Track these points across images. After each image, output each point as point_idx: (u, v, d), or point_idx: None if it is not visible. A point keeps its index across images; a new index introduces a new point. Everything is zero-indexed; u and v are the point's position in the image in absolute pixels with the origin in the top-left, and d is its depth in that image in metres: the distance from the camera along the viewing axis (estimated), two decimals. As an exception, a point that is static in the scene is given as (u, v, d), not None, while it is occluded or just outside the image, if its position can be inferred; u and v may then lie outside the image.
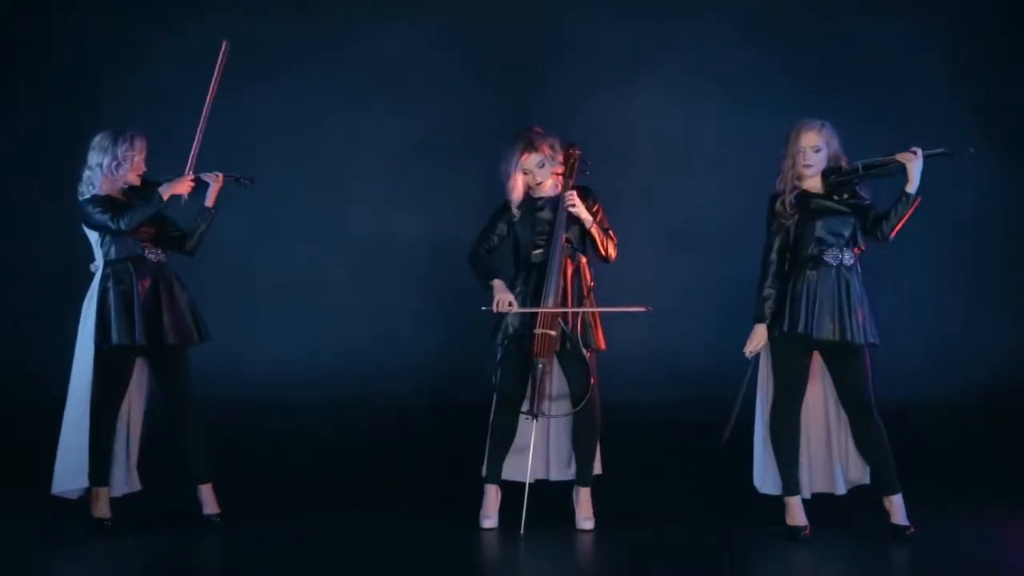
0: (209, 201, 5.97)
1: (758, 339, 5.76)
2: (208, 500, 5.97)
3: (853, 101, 7.36)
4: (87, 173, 5.88)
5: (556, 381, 6.01)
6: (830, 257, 5.70)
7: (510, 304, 5.82)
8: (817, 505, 5.78)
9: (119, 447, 5.95)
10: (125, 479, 6.00)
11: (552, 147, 5.97)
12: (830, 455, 5.88)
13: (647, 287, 7.52)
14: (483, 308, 5.88)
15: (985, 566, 5.44)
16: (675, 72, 7.86)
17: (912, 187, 5.63)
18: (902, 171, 5.65)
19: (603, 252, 5.99)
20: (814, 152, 5.74)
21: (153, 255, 5.91)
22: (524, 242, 5.99)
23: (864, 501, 5.88)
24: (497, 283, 5.89)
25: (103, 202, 5.85)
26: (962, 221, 7.70)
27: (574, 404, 5.91)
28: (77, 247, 7.78)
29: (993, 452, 7.22)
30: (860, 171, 5.68)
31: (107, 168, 5.85)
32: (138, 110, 7.69)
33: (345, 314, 7.83)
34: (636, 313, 5.90)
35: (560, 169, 5.94)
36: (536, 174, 5.95)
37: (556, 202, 5.96)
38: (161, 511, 6.08)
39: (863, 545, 5.66)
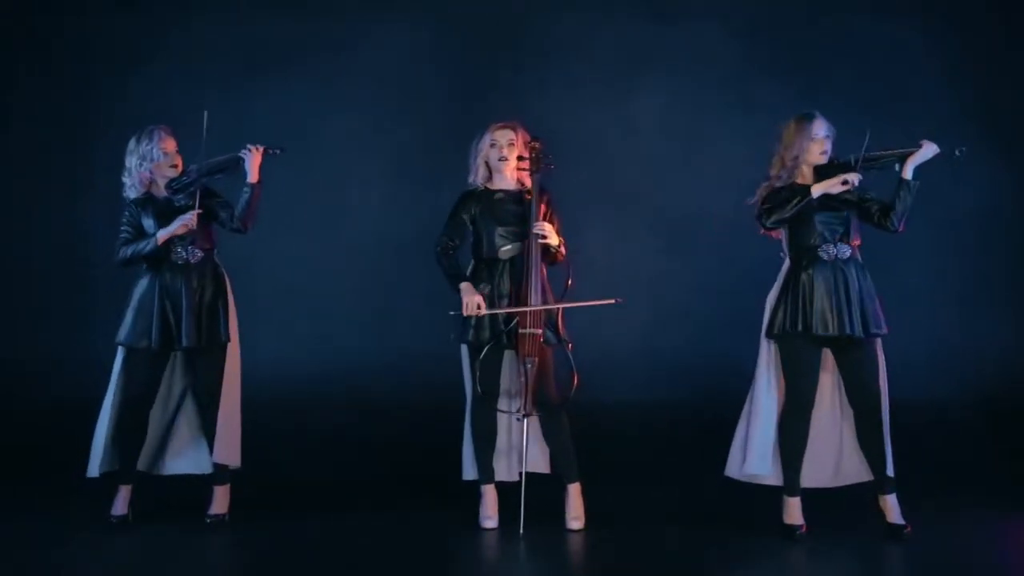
0: (251, 177, 5.83)
1: None
2: (216, 501, 5.98)
3: (853, 101, 7.36)
4: (124, 178, 5.89)
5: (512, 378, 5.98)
6: (824, 252, 5.70)
7: (479, 307, 5.77)
8: (813, 504, 5.78)
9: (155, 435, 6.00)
10: (156, 463, 6.04)
11: (525, 141, 5.89)
12: (830, 448, 5.86)
13: (646, 287, 7.53)
14: (451, 312, 5.83)
15: (985, 566, 5.44)
16: (675, 72, 7.86)
17: (906, 174, 5.62)
18: (897, 164, 5.65)
19: (557, 260, 5.92)
20: (828, 140, 5.75)
21: (179, 256, 5.84)
22: (488, 236, 5.89)
23: (861, 500, 5.88)
24: (465, 285, 5.81)
25: (128, 221, 5.88)
26: (961, 220, 7.70)
27: (538, 399, 5.84)
28: (78, 247, 7.82)
29: (993, 452, 7.22)
30: (852, 163, 5.65)
31: (135, 168, 5.87)
32: (139, 110, 7.70)
33: (344, 314, 7.83)
34: (607, 305, 5.80)
35: (525, 165, 5.87)
36: (504, 150, 5.87)
37: (518, 196, 5.91)
38: (174, 507, 6.08)
39: (860, 544, 5.66)
